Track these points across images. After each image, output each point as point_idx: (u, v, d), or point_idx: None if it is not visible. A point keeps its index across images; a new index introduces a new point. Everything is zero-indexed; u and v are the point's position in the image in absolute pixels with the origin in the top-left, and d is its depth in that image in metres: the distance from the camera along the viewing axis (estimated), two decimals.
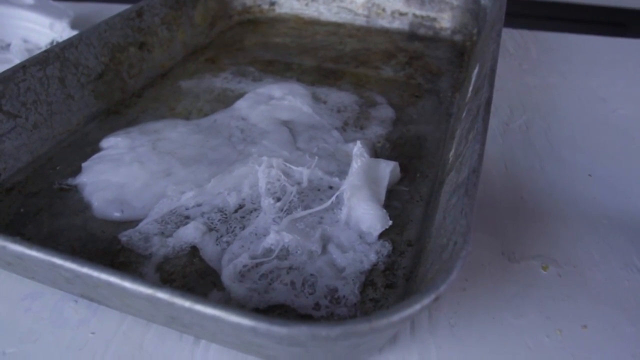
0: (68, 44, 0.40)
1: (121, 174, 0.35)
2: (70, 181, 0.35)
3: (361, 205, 0.31)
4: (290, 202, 0.33)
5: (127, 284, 0.21)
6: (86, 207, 0.33)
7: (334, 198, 0.32)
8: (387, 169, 0.34)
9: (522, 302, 0.29)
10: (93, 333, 0.27)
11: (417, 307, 0.20)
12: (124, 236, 0.31)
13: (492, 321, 0.28)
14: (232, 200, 0.33)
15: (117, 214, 0.33)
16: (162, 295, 0.20)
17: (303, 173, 0.34)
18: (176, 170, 0.35)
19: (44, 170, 0.37)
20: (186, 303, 0.20)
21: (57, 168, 0.37)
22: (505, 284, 0.30)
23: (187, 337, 0.27)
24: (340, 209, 0.32)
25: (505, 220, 0.34)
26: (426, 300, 0.20)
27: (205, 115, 0.42)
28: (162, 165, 0.35)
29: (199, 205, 0.33)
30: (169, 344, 0.27)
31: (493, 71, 0.35)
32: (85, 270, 0.22)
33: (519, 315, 0.28)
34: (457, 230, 0.24)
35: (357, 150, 0.34)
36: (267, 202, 0.32)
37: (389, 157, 0.38)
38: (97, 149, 0.38)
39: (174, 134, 0.38)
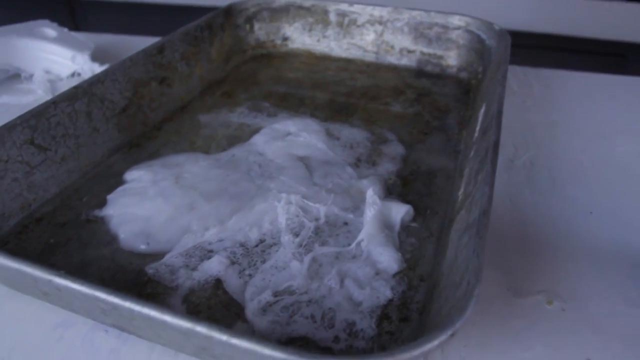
0: (95, 79, 0.42)
1: (146, 208, 0.36)
2: (97, 213, 0.37)
3: (377, 249, 0.33)
4: (308, 238, 0.34)
5: (168, 317, 0.22)
6: (113, 238, 0.35)
7: (354, 245, 0.34)
8: (399, 214, 0.36)
9: (529, 335, 0.31)
10: None
11: (435, 342, 0.22)
12: (151, 268, 0.33)
13: (501, 354, 0.30)
14: (253, 235, 0.35)
15: (143, 247, 0.34)
16: (201, 328, 0.22)
17: (320, 210, 0.36)
18: (199, 205, 0.36)
19: (71, 201, 0.38)
20: (223, 337, 0.21)
21: (84, 199, 0.38)
22: (512, 319, 0.32)
23: None
24: (358, 246, 0.34)
25: (511, 255, 0.36)
26: (444, 336, 0.22)
27: (224, 149, 0.44)
28: (186, 200, 0.37)
29: (221, 240, 0.34)
30: None
31: (500, 112, 0.37)
32: (127, 304, 0.23)
33: (527, 349, 0.30)
34: (469, 269, 0.25)
35: (370, 198, 0.35)
36: (286, 238, 0.34)
37: (399, 194, 0.39)
38: (121, 181, 0.40)
39: (195, 167, 0.40)
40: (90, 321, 0.30)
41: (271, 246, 0.34)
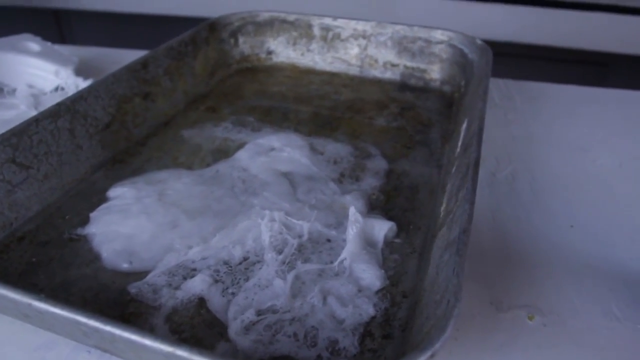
0: (78, 96, 0.42)
1: (129, 225, 0.36)
2: (80, 231, 0.37)
3: (360, 266, 0.34)
4: (291, 255, 0.35)
5: (148, 341, 0.22)
6: (96, 257, 0.35)
7: (336, 263, 0.34)
8: (382, 232, 0.36)
9: (510, 350, 0.31)
10: None
11: None
12: (134, 287, 0.33)
13: None
14: (237, 253, 0.35)
15: (125, 265, 0.34)
16: (181, 352, 0.22)
17: (303, 226, 0.36)
18: (182, 223, 0.36)
19: (53, 219, 0.38)
20: None
21: (66, 217, 0.38)
22: (494, 333, 0.32)
23: None
24: (341, 264, 0.34)
25: (493, 269, 0.36)
26: (423, 357, 0.22)
27: (208, 165, 0.44)
28: (169, 217, 0.37)
29: (204, 258, 0.34)
30: None
31: (481, 130, 0.38)
32: (108, 328, 0.23)
33: None
34: (449, 289, 0.26)
35: (352, 216, 0.36)
36: (270, 255, 0.34)
37: (383, 209, 0.40)
38: (104, 199, 0.40)
39: (179, 184, 0.40)
40: (72, 343, 0.30)
41: (254, 264, 0.34)
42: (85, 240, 0.36)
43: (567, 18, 0.87)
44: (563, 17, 0.87)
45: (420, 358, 0.22)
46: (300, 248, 0.35)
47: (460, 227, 0.29)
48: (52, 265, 0.35)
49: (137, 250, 0.35)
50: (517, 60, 0.83)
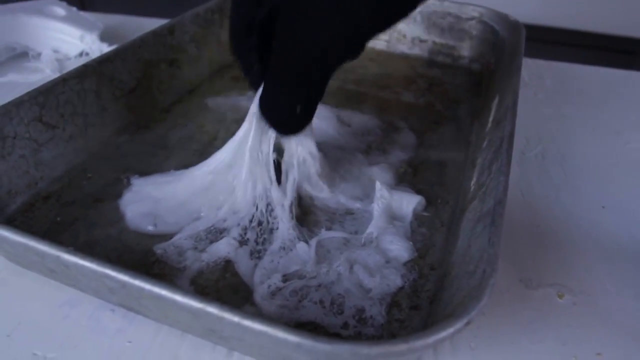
0: (104, 58, 0.42)
1: (162, 190, 0.36)
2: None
3: (388, 238, 0.33)
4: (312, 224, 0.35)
5: (178, 297, 0.22)
6: (121, 218, 0.35)
7: (363, 236, 0.34)
8: (411, 206, 0.35)
9: (539, 328, 0.30)
10: (130, 342, 0.28)
11: (450, 330, 0.21)
12: (159, 248, 0.32)
13: (511, 345, 0.29)
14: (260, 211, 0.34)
15: (150, 228, 0.34)
16: (212, 309, 0.21)
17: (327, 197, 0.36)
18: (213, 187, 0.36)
19: (78, 180, 0.38)
20: (235, 318, 0.21)
21: (91, 179, 0.38)
22: (523, 310, 0.31)
23: (220, 348, 0.28)
24: (368, 236, 0.34)
25: (523, 247, 0.35)
26: (459, 324, 0.21)
27: (233, 133, 0.43)
28: (202, 183, 0.36)
29: (226, 220, 0.34)
30: (203, 356, 0.28)
31: (515, 104, 0.37)
32: (137, 282, 0.23)
33: (537, 341, 0.29)
34: (484, 258, 0.25)
35: (378, 192, 0.35)
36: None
37: (410, 183, 0.39)
38: (128, 162, 0.40)
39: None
40: (96, 300, 0.30)
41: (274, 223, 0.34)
42: (110, 201, 0.36)
43: (596, 2, 0.85)
44: (592, 1, 0.85)
45: (456, 325, 0.21)
46: (321, 217, 0.35)
47: (495, 198, 0.29)
48: (77, 225, 0.34)
49: (162, 214, 0.34)
50: (545, 45, 0.81)
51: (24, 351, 0.28)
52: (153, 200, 0.35)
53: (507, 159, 0.31)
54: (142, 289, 0.23)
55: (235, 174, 0.35)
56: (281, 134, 0.34)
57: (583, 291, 0.33)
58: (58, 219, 0.35)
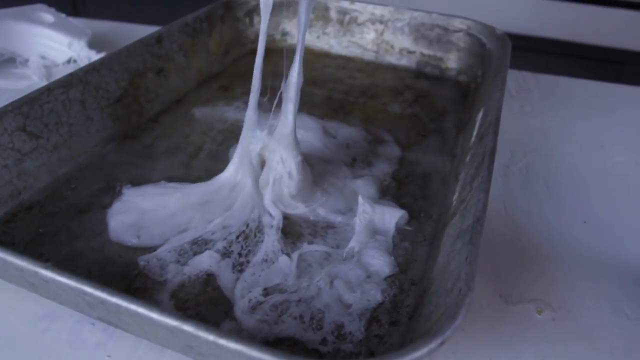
0: (91, 67, 0.42)
1: (152, 202, 0.36)
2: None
3: (369, 252, 0.33)
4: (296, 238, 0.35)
5: (154, 315, 0.22)
6: (104, 230, 0.35)
7: (345, 251, 0.34)
8: (393, 220, 0.36)
9: (519, 343, 0.30)
10: (109, 356, 0.28)
11: (424, 350, 0.21)
12: (142, 260, 0.32)
13: None
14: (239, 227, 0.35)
15: (133, 240, 0.34)
16: (188, 327, 0.22)
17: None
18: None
19: (62, 191, 0.38)
20: (210, 337, 0.21)
21: (75, 189, 0.38)
22: (502, 326, 0.31)
23: None
24: (349, 251, 0.34)
25: (504, 261, 0.36)
26: (433, 344, 0.21)
27: (219, 144, 0.44)
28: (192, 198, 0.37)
29: (214, 233, 0.34)
30: None
31: (498, 119, 0.37)
32: (114, 299, 0.23)
33: (515, 357, 0.30)
34: (461, 277, 0.25)
35: (361, 206, 0.36)
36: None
37: (394, 196, 0.39)
38: (114, 172, 0.40)
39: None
40: (76, 314, 0.30)
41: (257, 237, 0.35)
42: (94, 212, 0.36)
43: (585, 13, 0.85)
44: (581, 12, 0.85)
45: (430, 345, 0.21)
46: (304, 229, 0.35)
47: (474, 215, 0.29)
48: (59, 236, 0.34)
49: (148, 226, 0.34)
50: (533, 54, 0.82)
51: None
52: (140, 211, 0.35)
53: (488, 175, 0.32)
54: (119, 306, 0.23)
55: (236, 196, 0.36)
56: None
57: (562, 307, 0.33)
58: (40, 230, 0.35)
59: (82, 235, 0.34)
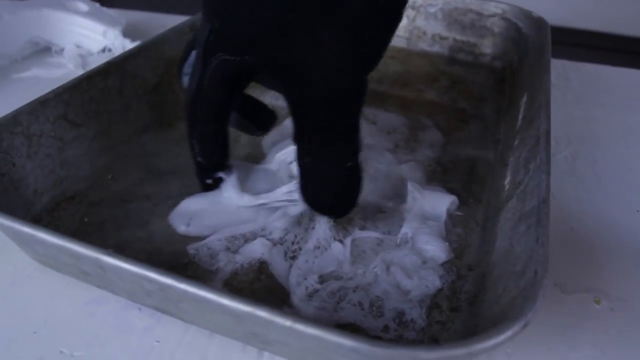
0: (127, 55, 0.41)
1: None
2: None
3: (423, 238, 0.32)
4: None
5: (225, 300, 0.21)
6: (150, 219, 0.34)
7: (398, 237, 0.33)
8: (444, 206, 0.35)
9: (577, 334, 0.29)
10: (158, 342, 0.28)
11: (509, 333, 0.20)
12: (192, 249, 0.32)
13: (548, 352, 0.28)
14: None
15: (182, 228, 0.33)
16: (261, 313, 0.21)
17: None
18: None
19: (103, 180, 0.37)
20: (287, 322, 0.20)
21: (117, 179, 0.37)
22: (559, 316, 0.30)
23: (250, 348, 0.27)
24: (403, 236, 0.33)
25: (556, 250, 0.34)
26: (517, 327, 0.21)
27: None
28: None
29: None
30: (233, 356, 0.27)
31: (548, 102, 0.36)
32: (182, 285, 0.22)
33: (574, 348, 0.29)
34: (534, 259, 0.24)
35: (410, 192, 0.35)
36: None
37: (440, 181, 0.38)
38: (153, 161, 0.39)
39: None
40: (123, 299, 0.29)
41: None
42: (137, 201, 0.36)
43: (625, 3, 0.83)
44: (621, 3, 0.83)
45: (514, 327, 0.20)
46: (354, 214, 0.35)
47: (538, 197, 0.28)
48: (105, 226, 0.34)
49: (200, 215, 0.34)
50: (568, 47, 0.80)
51: (51, 349, 0.27)
52: (196, 203, 0.34)
53: (547, 157, 0.31)
54: (185, 292, 0.22)
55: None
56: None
57: (620, 297, 0.32)
58: (85, 219, 0.34)
59: (127, 224, 0.34)
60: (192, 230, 0.33)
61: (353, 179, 0.31)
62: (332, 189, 0.31)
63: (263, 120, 0.36)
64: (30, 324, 0.29)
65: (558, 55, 0.58)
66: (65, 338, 0.28)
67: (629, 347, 0.29)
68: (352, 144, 0.30)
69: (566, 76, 0.56)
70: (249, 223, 0.33)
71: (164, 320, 0.29)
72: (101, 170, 0.38)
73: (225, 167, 0.34)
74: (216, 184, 0.34)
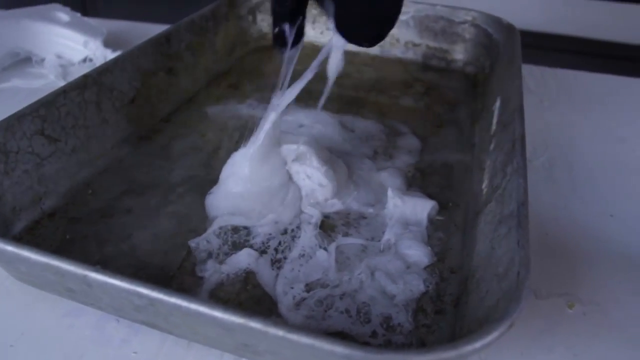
0: (104, 68, 0.41)
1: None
2: None
3: (406, 243, 0.33)
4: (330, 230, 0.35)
5: (218, 313, 0.21)
6: (131, 233, 0.34)
7: (382, 242, 0.34)
8: (425, 211, 0.36)
9: (550, 338, 0.30)
10: (135, 353, 0.28)
11: (495, 334, 0.21)
12: (193, 242, 0.33)
13: (521, 356, 0.29)
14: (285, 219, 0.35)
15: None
16: (255, 324, 0.21)
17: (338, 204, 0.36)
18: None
19: (83, 195, 0.37)
20: (279, 332, 0.21)
21: (96, 194, 0.37)
22: (533, 320, 0.31)
23: (228, 356, 0.28)
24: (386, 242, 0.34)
25: (532, 255, 0.35)
26: (503, 327, 0.21)
27: (236, 141, 0.43)
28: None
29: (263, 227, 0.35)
30: None
31: (521, 106, 0.37)
32: (173, 300, 0.22)
33: (547, 351, 0.29)
34: (516, 261, 0.25)
35: (391, 200, 0.36)
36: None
37: (420, 186, 0.39)
38: (133, 175, 0.39)
39: None
40: (99, 311, 0.29)
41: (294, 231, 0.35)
42: (119, 216, 0.35)
43: (598, 9, 0.84)
44: (595, 8, 0.84)
45: (500, 328, 0.21)
46: (337, 221, 0.35)
47: (517, 200, 0.29)
48: (87, 242, 0.33)
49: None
50: (545, 52, 0.81)
51: None
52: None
53: (523, 161, 0.32)
54: (176, 306, 0.22)
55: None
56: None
57: (592, 301, 0.32)
58: (67, 236, 0.34)
59: (110, 239, 0.34)
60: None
61: None
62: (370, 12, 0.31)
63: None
64: (6, 337, 0.28)
65: (535, 61, 0.59)
66: (43, 351, 0.28)
67: (601, 351, 0.30)
68: None
69: (544, 82, 0.58)
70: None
71: (142, 331, 0.29)
72: (80, 185, 0.38)
73: (293, 22, 0.35)
74: (280, 35, 0.36)
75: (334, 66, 0.35)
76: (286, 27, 0.35)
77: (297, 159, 0.36)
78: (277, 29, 0.36)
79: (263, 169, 0.36)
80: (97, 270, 0.23)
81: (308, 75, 0.34)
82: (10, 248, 0.25)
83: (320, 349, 0.20)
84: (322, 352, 0.20)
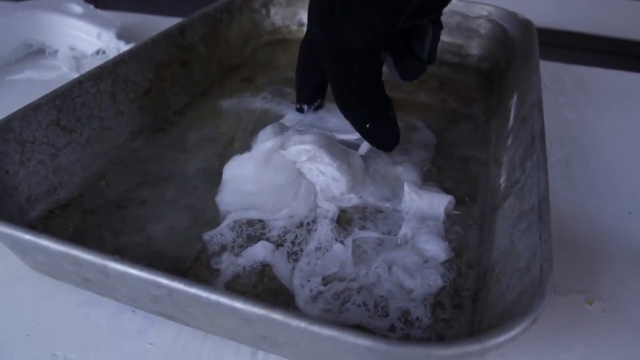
0: (119, 60, 0.41)
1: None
2: None
3: (423, 237, 0.33)
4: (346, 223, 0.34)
5: (239, 304, 0.21)
6: (146, 224, 0.34)
7: (399, 236, 0.34)
8: (442, 206, 0.35)
9: (569, 335, 0.30)
10: (152, 344, 0.28)
11: (519, 329, 0.21)
12: (207, 235, 0.33)
13: (540, 353, 0.29)
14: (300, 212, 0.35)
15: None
16: (276, 316, 0.21)
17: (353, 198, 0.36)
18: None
19: (97, 186, 0.37)
20: (302, 324, 0.20)
21: (112, 184, 0.37)
22: (552, 317, 0.31)
23: (244, 348, 0.27)
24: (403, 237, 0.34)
25: None
26: (527, 322, 0.21)
27: (250, 134, 0.43)
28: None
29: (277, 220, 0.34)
30: (226, 357, 0.27)
31: (540, 101, 0.37)
32: (193, 290, 0.22)
33: (566, 349, 0.29)
34: (539, 255, 0.25)
35: (407, 194, 0.35)
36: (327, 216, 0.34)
37: (436, 181, 0.39)
38: (147, 166, 0.39)
39: None
40: (116, 301, 0.29)
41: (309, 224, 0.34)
42: (133, 207, 0.35)
43: (613, 6, 0.83)
44: (609, 5, 0.83)
45: (524, 323, 0.21)
46: (354, 214, 0.35)
47: (538, 195, 0.28)
48: (101, 232, 0.33)
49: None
50: (560, 49, 0.80)
51: (44, 351, 0.27)
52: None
53: (543, 155, 0.31)
54: (196, 296, 0.22)
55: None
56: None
57: (612, 298, 0.32)
58: (81, 226, 0.34)
59: (124, 230, 0.33)
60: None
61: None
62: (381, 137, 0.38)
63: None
64: (23, 326, 0.28)
65: (551, 57, 0.59)
66: (59, 341, 0.28)
67: (621, 348, 0.29)
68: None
69: (560, 79, 0.57)
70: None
71: (158, 322, 0.29)
72: (95, 176, 0.37)
73: (311, 104, 0.44)
74: (301, 110, 0.44)
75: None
76: (305, 107, 0.44)
77: (308, 158, 0.36)
78: (298, 106, 0.44)
79: (267, 169, 0.36)
80: (116, 260, 0.23)
81: None
82: (27, 237, 0.25)
83: (343, 341, 0.20)
84: (345, 345, 0.20)
